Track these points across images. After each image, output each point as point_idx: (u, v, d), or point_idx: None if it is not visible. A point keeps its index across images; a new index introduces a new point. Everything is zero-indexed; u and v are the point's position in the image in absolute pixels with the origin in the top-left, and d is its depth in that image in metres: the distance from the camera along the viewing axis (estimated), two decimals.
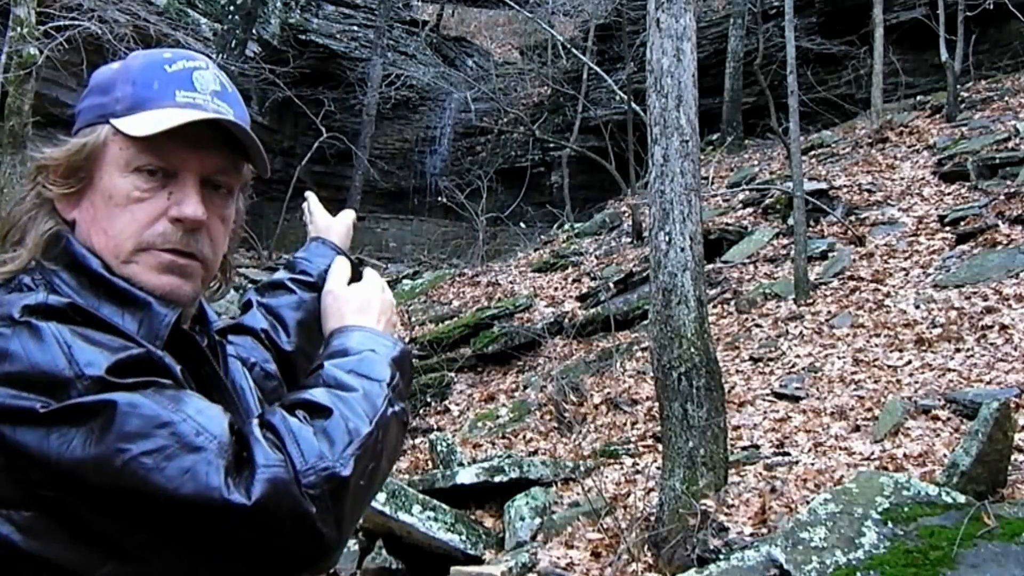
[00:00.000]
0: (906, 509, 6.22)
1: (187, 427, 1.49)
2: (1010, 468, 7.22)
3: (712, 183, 21.04)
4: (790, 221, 15.05)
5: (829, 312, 12.54)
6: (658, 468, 8.60)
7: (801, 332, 12.24)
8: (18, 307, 1.56)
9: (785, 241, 15.69)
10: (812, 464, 8.56)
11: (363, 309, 2.01)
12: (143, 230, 1.74)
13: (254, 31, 27.67)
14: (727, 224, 17.54)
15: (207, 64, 1.86)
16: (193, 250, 1.77)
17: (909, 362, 10.43)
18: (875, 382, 10.15)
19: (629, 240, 19.77)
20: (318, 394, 1.66)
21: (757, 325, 13.15)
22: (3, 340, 1.52)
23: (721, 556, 6.91)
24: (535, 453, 11.16)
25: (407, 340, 16.93)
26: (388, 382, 1.75)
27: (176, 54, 1.85)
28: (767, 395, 10.71)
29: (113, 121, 1.76)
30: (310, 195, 2.70)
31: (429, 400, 14.67)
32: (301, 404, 1.63)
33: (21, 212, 1.80)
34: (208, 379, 1.84)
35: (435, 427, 13.42)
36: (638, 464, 9.92)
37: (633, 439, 10.74)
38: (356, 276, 2.19)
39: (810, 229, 15.08)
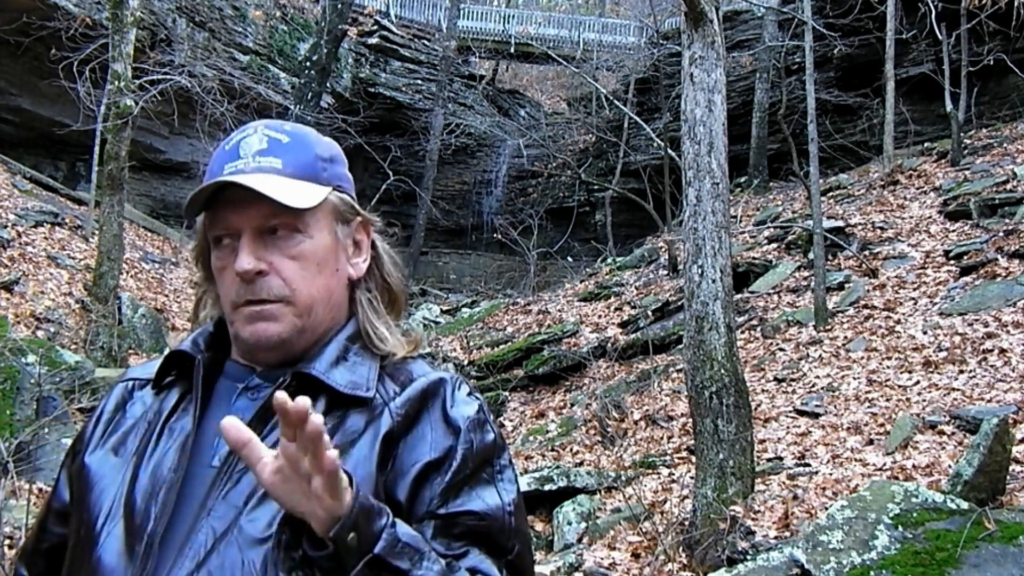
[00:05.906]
0: (915, 515, 6.21)
1: None
2: (1008, 478, 7.20)
3: (740, 221, 21.04)
4: (810, 255, 15.05)
5: (845, 337, 12.51)
6: (691, 478, 8.63)
7: (820, 355, 12.22)
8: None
9: (806, 273, 15.67)
10: (830, 474, 8.55)
11: None
12: (230, 292, 1.77)
13: (328, 84, 27.75)
14: (754, 258, 17.52)
15: (256, 129, 1.83)
16: (262, 295, 1.75)
17: (918, 382, 10.39)
18: (887, 400, 10.12)
19: (666, 272, 19.71)
20: None
21: (781, 349, 13.14)
22: None
23: (748, 557, 6.92)
24: (581, 464, 11.15)
25: (467, 363, 17.01)
26: None
27: (238, 131, 1.85)
28: (790, 412, 10.69)
29: None
30: None
31: None
32: None
33: (199, 291, 1.97)
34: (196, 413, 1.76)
35: None
36: (674, 474, 9.93)
37: (669, 451, 10.73)
38: None
39: (828, 263, 15.06)
